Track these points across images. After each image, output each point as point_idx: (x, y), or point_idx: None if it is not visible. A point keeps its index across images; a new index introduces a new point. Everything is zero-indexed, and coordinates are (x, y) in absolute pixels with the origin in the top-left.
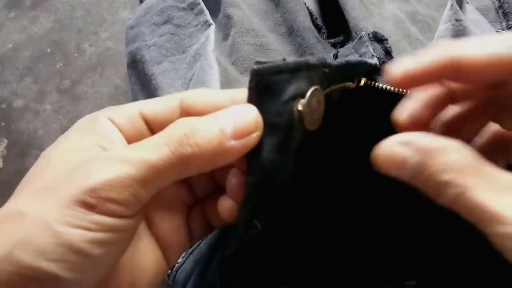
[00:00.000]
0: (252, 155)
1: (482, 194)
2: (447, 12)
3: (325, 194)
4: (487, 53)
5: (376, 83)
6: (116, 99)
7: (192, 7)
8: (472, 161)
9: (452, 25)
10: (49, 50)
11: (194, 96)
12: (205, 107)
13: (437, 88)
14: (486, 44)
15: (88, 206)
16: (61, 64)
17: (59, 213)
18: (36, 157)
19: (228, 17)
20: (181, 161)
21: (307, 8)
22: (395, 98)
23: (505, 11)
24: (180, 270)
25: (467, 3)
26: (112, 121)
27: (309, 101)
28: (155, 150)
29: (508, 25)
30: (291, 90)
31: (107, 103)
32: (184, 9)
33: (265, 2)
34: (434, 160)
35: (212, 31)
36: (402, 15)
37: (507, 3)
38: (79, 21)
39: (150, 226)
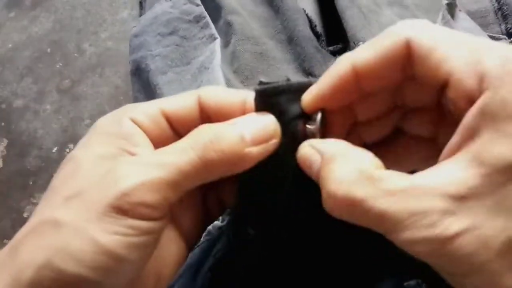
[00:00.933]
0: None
1: (375, 203)
2: (439, 22)
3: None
4: (377, 58)
5: None
6: (116, 99)
7: (197, 20)
8: (360, 171)
9: None
10: (49, 50)
11: (210, 93)
12: (220, 105)
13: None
14: (374, 48)
15: (122, 211)
16: (61, 64)
17: (95, 220)
18: (36, 157)
19: (229, 24)
20: (206, 166)
21: (307, 15)
22: None
23: (504, 13)
24: None
25: (460, 11)
26: (135, 122)
27: (321, 121)
28: (182, 154)
29: (507, 27)
30: (294, 110)
31: (107, 103)
32: (189, 21)
33: (265, 9)
34: (328, 172)
35: (217, 45)
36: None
37: (506, 5)
38: (79, 21)
39: (171, 216)
